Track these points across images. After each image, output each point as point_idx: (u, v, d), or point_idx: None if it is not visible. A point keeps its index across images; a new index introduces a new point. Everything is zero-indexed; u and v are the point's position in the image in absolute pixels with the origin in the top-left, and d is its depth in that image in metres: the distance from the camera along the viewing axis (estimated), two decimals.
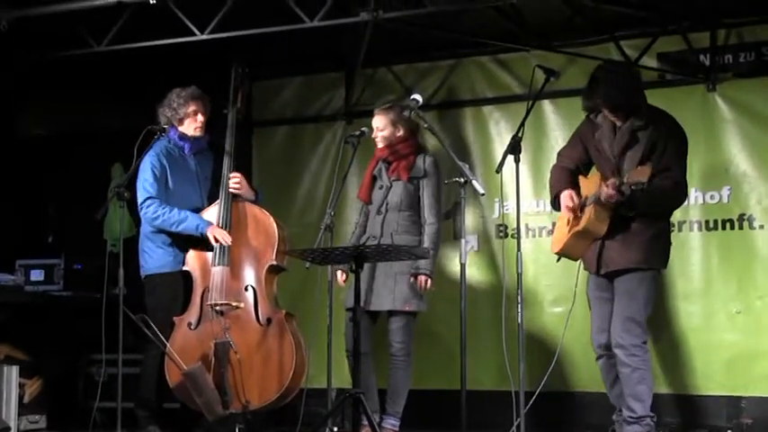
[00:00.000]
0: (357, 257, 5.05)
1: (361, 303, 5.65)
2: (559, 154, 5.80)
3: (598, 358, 5.51)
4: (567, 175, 5.62)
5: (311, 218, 7.28)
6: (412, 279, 5.80)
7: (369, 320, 5.89)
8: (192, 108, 5.99)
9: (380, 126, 5.96)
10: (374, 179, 6.05)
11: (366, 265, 5.74)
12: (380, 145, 5.98)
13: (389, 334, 5.85)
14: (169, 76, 6.69)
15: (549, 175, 5.81)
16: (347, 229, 7.16)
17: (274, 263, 5.86)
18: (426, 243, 5.82)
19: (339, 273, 5.94)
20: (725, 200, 6.41)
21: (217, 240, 5.79)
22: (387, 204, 5.92)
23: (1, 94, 7.67)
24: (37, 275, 7.32)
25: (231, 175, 5.96)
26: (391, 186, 5.94)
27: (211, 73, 6.55)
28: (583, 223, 5.41)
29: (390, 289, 5.79)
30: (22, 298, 6.89)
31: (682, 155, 5.42)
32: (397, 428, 5.85)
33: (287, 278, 6.12)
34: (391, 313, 5.85)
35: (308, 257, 5.30)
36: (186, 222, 5.82)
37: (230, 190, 5.94)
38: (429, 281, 5.83)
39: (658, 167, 5.27)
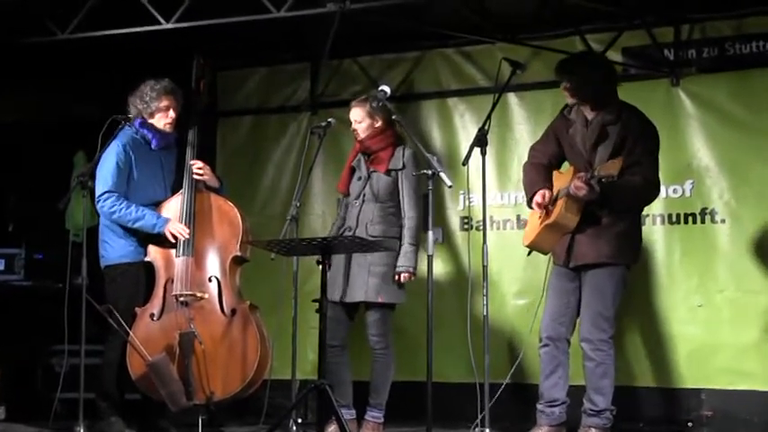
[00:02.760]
0: (324, 249, 5.03)
1: (338, 295, 5.77)
2: (532, 149, 5.79)
3: (542, 346, 5.50)
4: (542, 172, 5.59)
5: (275, 209, 7.27)
6: (397, 277, 5.77)
7: (344, 313, 5.87)
8: (164, 103, 5.90)
9: (358, 118, 5.91)
10: (353, 171, 6.01)
11: (342, 257, 5.75)
12: (360, 137, 5.93)
13: (366, 327, 5.82)
14: (133, 65, 6.60)
15: (521, 172, 5.81)
16: (312, 220, 7.23)
17: (238, 254, 5.82)
18: (407, 237, 5.78)
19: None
20: (687, 194, 6.44)
21: (175, 238, 5.74)
22: (364, 195, 5.88)
23: None
24: None
25: (192, 162, 5.91)
26: (369, 177, 5.90)
27: (175, 63, 6.48)
28: (553, 216, 5.42)
29: (364, 280, 5.75)
30: None
31: (652, 151, 5.45)
32: (380, 420, 5.83)
33: (250, 269, 6.07)
34: (368, 306, 5.81)
35: (274, 249, 5.28)
36: (143, 221, 5.75)
37: (193, 176, 5.87)
38: (411, 276, 5.79)
39: (627, 162, 5.29)
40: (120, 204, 5.73)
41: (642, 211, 5.65)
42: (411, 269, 5.75)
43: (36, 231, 7.50)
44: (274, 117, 7.50)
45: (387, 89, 5.55)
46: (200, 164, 5.91)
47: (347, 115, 6.23)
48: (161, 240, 5.82)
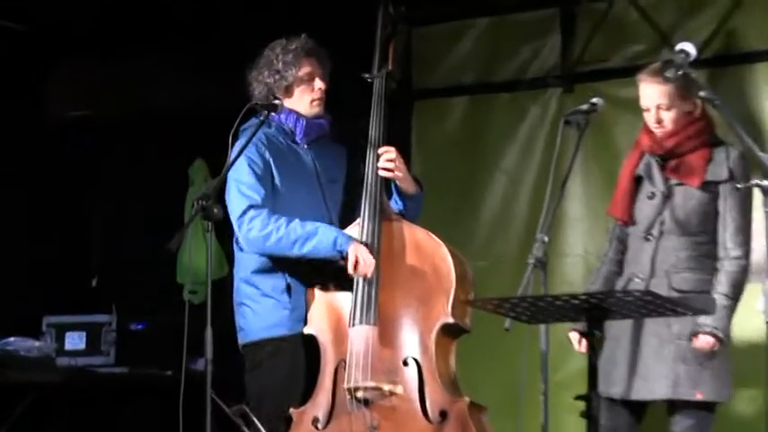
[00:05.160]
0: (593, 313, 4.94)
1: (619, 389, 5.80)
2: None
3: None
4: None
5: (506, 246, 7.43)
6: (694, 340, 5.74)
7: (628, 417, 5.90)
8: (305, 69, 6.01)
9: (664, 102, 5.86)
10: (637, 183, 5.98)
11: (626, 327, 5.76)
12: (664, 132, 5.89)
13: None
14: (272, 30, 6.63)
15: None
16: (568, 264, 7.38)
17: (451, 320, 5.79)
18: (722, 284, 5.79)
19: (575, 334, 5.90)
20: None
21: (357, 266, 5.74)
22: (662, 224, 5.88)
23: (25, 59, 7.80)
24: (75, 341, 7.48)
25: (382, 150, 5.96)
26: (670, 194, 5.88)
27: (343, 19, 6.57)
28: None
29: (667, 366, 5.75)
30: (53, 376, 7.03)
31: None
32: None
33: (471, 346, 6.13)
34: (673, 405, 5.81)
35: (509, 311, 5.20)
36: (317, 237, 5.78)
37: (380, 172, 5.93)
38: (716, 344, 5.74)
39: None
40: (278, 222, 5.79)
41: None
42: (719, 333, 5.72)
43: (133, 287, 7.67)
44: (504, 97, 7.65)
45: (690, 49, 5.43)
46: (391, 152, 5.95)
47: (623, 93, 6.12)
48: (328, 296, 5.89)
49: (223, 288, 6.08)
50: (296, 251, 5.79)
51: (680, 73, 5.50)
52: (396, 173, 5.94)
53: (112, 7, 6.90)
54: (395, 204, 6.03)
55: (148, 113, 8.01)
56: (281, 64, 5.98)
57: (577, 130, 5.76)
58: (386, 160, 5.92)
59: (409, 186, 6.02)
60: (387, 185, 6.00)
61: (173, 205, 7.22)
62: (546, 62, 7.52)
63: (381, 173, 5.92)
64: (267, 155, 5.92)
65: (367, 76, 6.12)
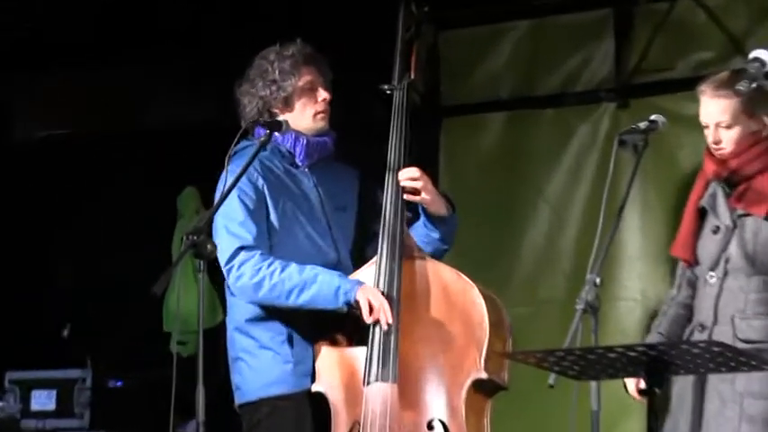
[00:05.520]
0: (652, 366, 4.96)
1: None
2: None
3: None
4: None
5: (552, 286, 7.49)
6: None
7: None
8: (305, 78, 6.03)
9: (725, 120, 5.87)
10: (702, 216, 6.00)
11: (687, 384, 5.79)
12: (724, 153, 5.90)
13: None
14: (273, 38, 6.70)
15: None
16: (622, 309, 7.37)
17: (484, 376, 5.80)
18: None
19: (632, 381, 5.87)
20: None
21: (372, 311, 5.74)
22: (727, 262, 5.90)
23: None
24: (43, 401, 7.49)
25: (405, 170, 5.96)
26: (735, 227, 5.90)
27: (356, 21, 6.63)
28: None
29: (732, 426, 5.74)
30: None
31: None
32: None
33: (508, 405, 6.20)
34: None
35: (553, 365, 5.22)
36: (317, 286, 5.78)
37: (405, 194, 5.93)
38: None
39: None
40: (271, 267, 5.79)
41: None
42: None
43: (111, 338, 7.70)
44: (547, 114, 7.70)
45: (766, 56, 5.44)
46: (414, 171, 5.95)
47: (687, 108, 6.16)
48: (338, 347, 5.91)
49: (217, 338, 6.08)
50: (291, 302, 5.78)
51: (754, 85, 5.55)
52: (423, 195, 5.93)
53: (95, 16, 6.94)
54: (425, 230, 6.03)
55: (132, 134, 8.05)
56: (277, 73, 5.99)
57: (634, 153, 5.79)
58: (408, 178, 5.92)
59: (440, 208, 6.00)
60: (413, 209, 6.01)
61: (158, 241, 7.25)
62: (597, 72, 7.57)
63: (405, 196, 5.93)
64: (261, 182, 5.94)
65: (385, 87, 6.13)
